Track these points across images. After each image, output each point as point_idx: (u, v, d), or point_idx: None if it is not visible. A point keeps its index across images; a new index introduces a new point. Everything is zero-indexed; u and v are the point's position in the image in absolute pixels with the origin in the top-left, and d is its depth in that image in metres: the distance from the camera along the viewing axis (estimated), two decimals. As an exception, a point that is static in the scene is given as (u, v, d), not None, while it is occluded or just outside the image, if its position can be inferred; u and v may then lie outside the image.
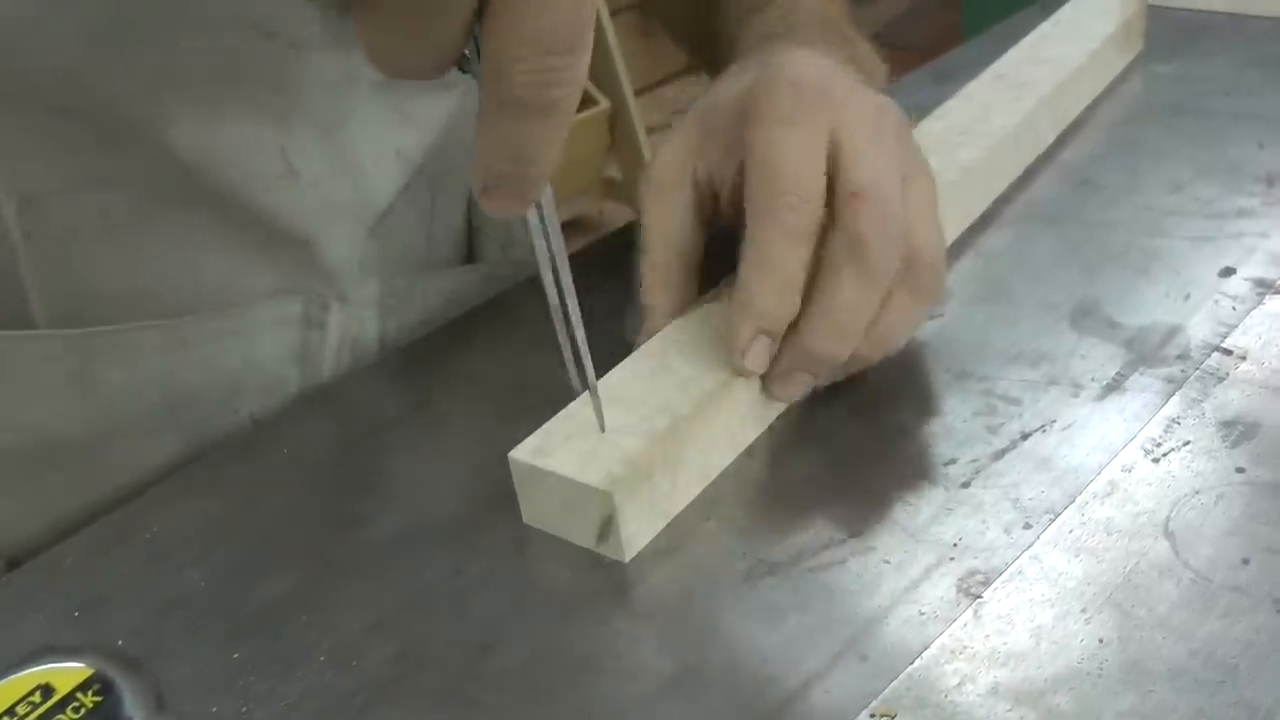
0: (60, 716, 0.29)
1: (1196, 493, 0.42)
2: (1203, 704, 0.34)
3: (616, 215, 2.19)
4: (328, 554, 0.45)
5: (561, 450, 0.43)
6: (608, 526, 0.42)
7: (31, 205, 0.50)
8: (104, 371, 0.52)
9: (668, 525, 0.44)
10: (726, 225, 0.48)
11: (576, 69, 0.32)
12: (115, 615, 0.43)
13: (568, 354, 0.43)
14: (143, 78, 0.48)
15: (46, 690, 0.29)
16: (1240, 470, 0.42)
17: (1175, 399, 0.46)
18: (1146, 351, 0.49)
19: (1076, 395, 0.47)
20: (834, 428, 0.48)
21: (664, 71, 2.28)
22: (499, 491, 0.45)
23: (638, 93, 2.11)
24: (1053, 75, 0.65)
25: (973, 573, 0.40)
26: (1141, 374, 0.48)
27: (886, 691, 0.36)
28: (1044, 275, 0.55)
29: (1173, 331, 0.50)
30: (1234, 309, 0.50)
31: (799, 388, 0.47)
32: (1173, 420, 0.45)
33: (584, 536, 0.43)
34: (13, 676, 0.30)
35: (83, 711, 0.29)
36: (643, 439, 0.43)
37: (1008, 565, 0.40)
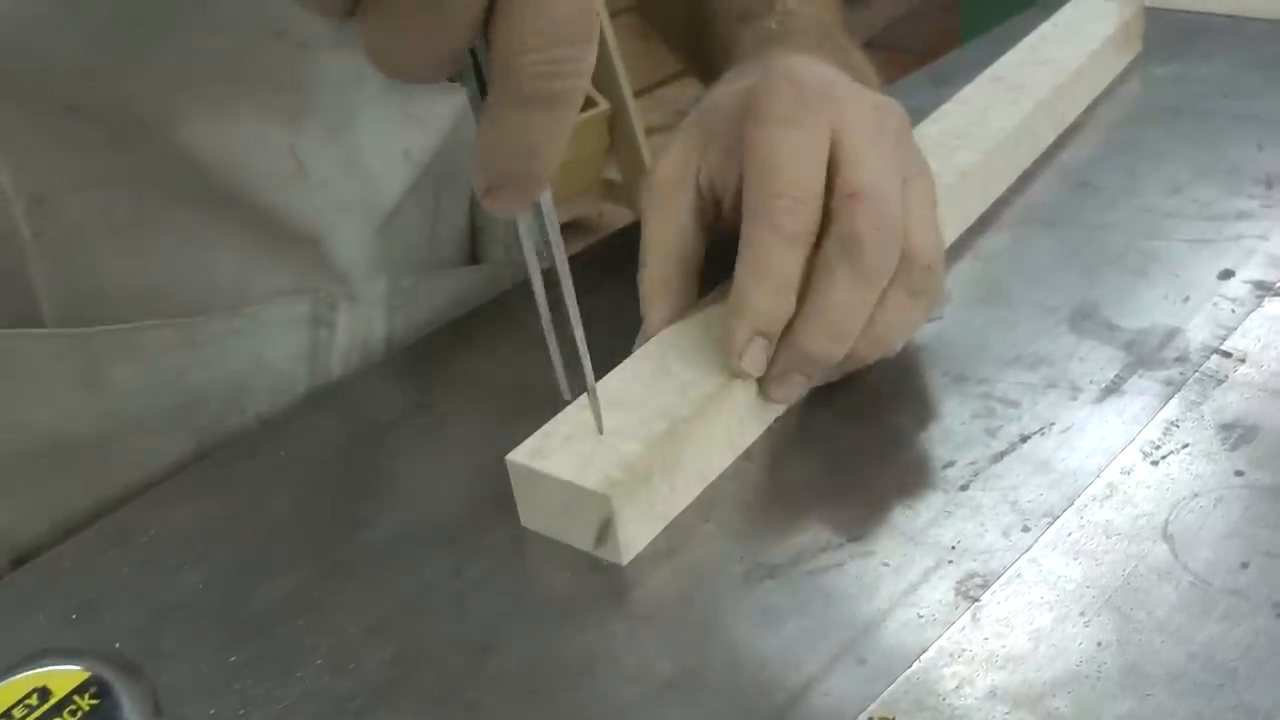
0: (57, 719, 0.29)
1: (1195, 496, 0.42)
2: (1201, 707, 0.34)
3: (616, 217, 2.19)
4: (327, 555, 0.45)
5: (559, 453, 0.43)
6: (606, 530, 0.42)
7: (41, 204, 0.50)
8: (113, 371, 0.52)
9: (666, 528, 0.44)
10: (728, 230, 0.48)
11: (585, 61, 0.32)
12: (113, 617, 0.43)
13: (557, 361, 0.43)
14: (156, 76, 0.48)
15: (43, 693, 0.29)
16: (1239, 473, 0.42)
17: (1174, 402, 0.46)
18: (1145, 354, 0.49)
19: (1075, 398, 0.47)
20: (833, 430, 0.48)
21: (663, 73, 2.28)
22: (499, 492, 0.45)
23: (637, 94, 2.11)
24: (1051, 77, 0.65)
25: (971, 576, 0.40)
26: (1140, 377, 0.48)
27: (885, 694, 0.36)
28: (1042, 278, 0.55)
29: (1172, 334, 0.50)
30: (1233, 311, 0.50)
31: (795, 389, 0.47)
32: (1172, 423, 0.45)
33: (582, 539, 0.43)
34: (9, 679, 0.30)
35: (79, 715, 0.29)
36: (641, 442, 0.43)
37: (1006, 568, 0.40)
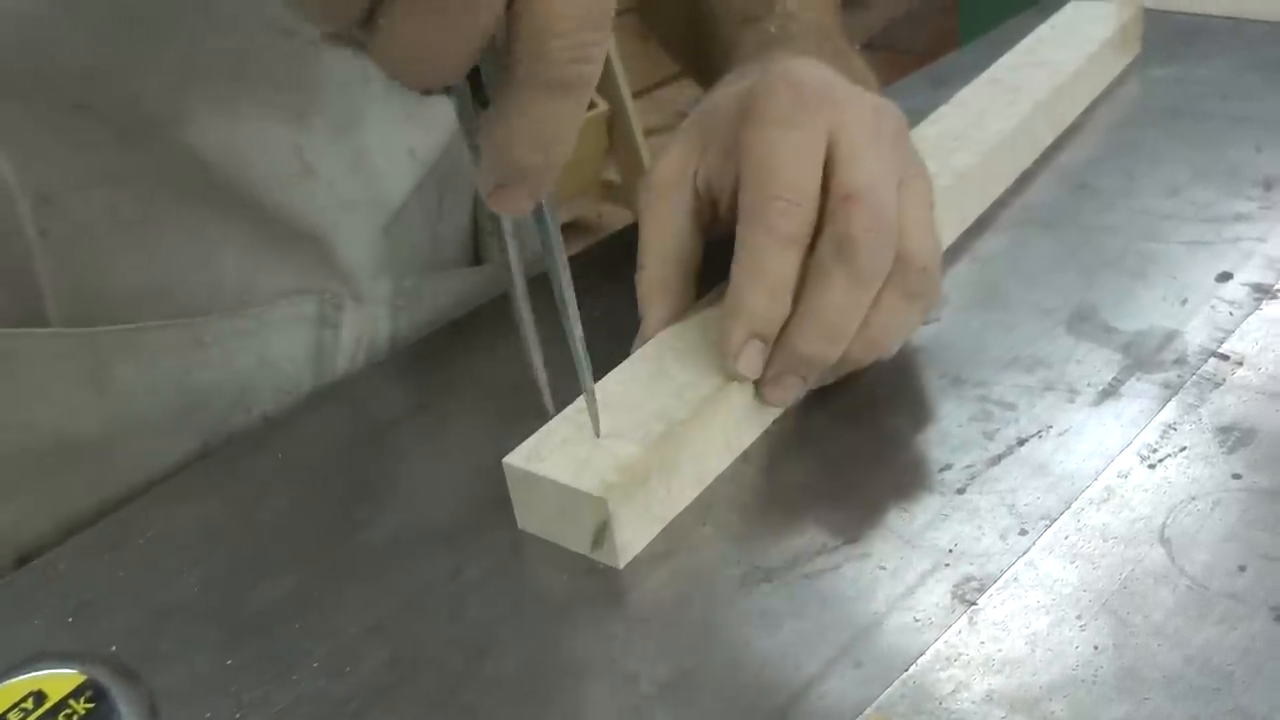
0: (52, 723, 0.29)
1: (1193, 499, 0.42)
2: (1198, 711, 0.34)
3: (615, 217, 2.20)
4: (325, 557, 0.45)
5: (556, 455, 0.43)
6: (602, 533, 0.42)
7: (47, 202, 0.50)
8: (118, 370, 0.52)
9: (663, 530, 0.44)
10: (726, 231, 0.48)
11: (605, 46, 0.34)
12: (110, 619, 0.43)
13: (540, 374, 0.43)
14: (163, 75, 0.49)
15: (39, 697, 0.29)
16: (1237, 476, 0.42)
17: (1172, 405, 0.46)
18: (1143, 357, 0.49)
19: (1073, 401, 0.47)
20: (830, 433, 0.48)
21: (662, 74, 2.28)
22: (498, 494, 0.45)
23: (636, 95, 2.11)
24: (1049, 79, 0.65)
25: (968, 579, 0.40)
26: (1138, 379, 0.48)
27: (881, 698, 0.36)
28: (1040, 280, 0.55)
29: (1169, 337, 0.50)
30: (1231, 314, 0.50)
31: (791, 391, 0.47)
32: (1169, 426, 0.45)
33: (578, 542, 0.43)
34: (5, 683, 0.30)
35: (74, 719, 0.29)
36: (638, 444, 0.43)
37: (1003, 571, 0.40)
